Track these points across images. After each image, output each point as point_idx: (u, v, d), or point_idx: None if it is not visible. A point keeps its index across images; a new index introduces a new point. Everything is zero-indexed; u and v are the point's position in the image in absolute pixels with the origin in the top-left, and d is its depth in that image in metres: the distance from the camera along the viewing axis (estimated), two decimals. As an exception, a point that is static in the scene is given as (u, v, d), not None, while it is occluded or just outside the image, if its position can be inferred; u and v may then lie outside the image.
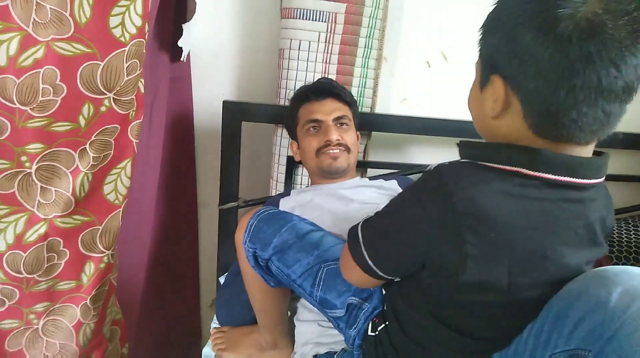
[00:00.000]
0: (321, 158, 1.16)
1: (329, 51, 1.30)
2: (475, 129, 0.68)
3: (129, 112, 0.89)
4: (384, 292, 0.81)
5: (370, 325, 0.79)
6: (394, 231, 0.65)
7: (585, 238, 0.61)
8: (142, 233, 1.24)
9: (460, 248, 0.56)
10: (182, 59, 1.31)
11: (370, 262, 0.67)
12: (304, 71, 1.31)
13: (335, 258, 0.85)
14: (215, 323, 1.20)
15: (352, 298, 0.82)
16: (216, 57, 1.41)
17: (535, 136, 0.57)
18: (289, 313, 1.09)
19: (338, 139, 1.15)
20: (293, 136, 1.25)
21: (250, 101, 1.38)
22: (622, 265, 1.26)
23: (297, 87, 1.30)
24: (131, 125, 0.91)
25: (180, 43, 1.25)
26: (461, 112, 1.44)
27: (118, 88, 0.85)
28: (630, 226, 1.39)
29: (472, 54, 0.67)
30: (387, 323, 0.76)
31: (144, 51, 0.85)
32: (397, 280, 0.74)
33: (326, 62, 1.31)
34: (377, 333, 0.77)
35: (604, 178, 0.61)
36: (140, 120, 0.93)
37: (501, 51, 0.56)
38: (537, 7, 0.52)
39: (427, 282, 0.65)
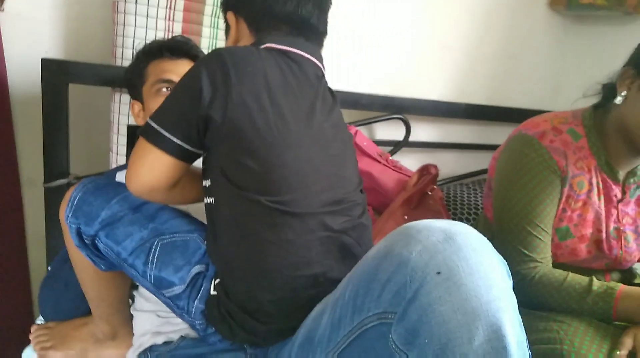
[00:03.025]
0: None
1: (172, 6, 1.16)
2: None
3: None
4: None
5: (212, 285, 0.76)
6: (176, 96, 0.74)
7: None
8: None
9: (228, 87, 0.70)
10: (1, 8, 1.08)
11: (161, 129, 0.71)
12: (143, 27, 1.15)
13: (172, 232, 0.79)
14: (40, 321, 1.04)
15: (198, 266, 0.77)
16: (33, 8, 1.18)
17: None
18: (130, 301, 0.98)
19: None
20: (135, 95, 1.09)
21: (79, 60, 1.18)
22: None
23: (136, 45, 1.14)
24: None
25: None
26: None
27: None
28: (470, 190, 1.51)
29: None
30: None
31: None
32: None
33: (169, 19, 1.17)
34: (216, 290, 0.75)
35: (318, 61, 0.83)
36: None
37: None
38: None
39: (217, 138, 0.72)
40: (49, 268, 1.09)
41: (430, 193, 1.30)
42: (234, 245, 0.73)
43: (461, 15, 1.57)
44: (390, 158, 1.46)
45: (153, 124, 0.72)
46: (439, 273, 0.50)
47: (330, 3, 0.87)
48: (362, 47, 1.50)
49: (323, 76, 0.84)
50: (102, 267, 0.83)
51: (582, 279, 0.90)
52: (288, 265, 0.71)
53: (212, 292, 0.76)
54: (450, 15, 1.55)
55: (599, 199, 0.94)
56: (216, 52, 0.73)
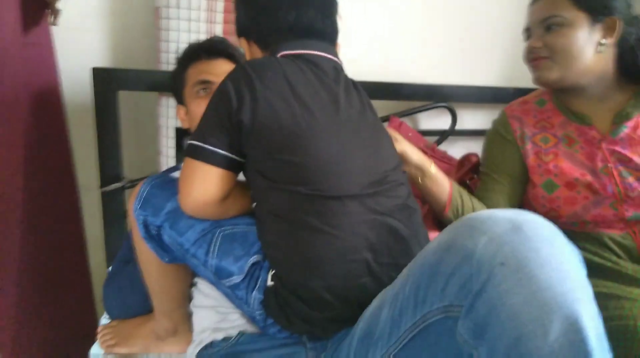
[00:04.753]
0: None
1: (213, 9, 1.18)
2: None
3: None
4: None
5: (268, 277, 0.77)
6: (209, 112, 0.77)
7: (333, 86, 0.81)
8: (6, 226, 1.06)
9: (253, 91, 0.74)
10: (55, 23, 1.12)
11: (204, 145, 0.74)
12: (186, 31, 1.18)
13: (233, 223, 0.82)
14: (105, 320, 1.08)
15: (255, 256, 0.78)
16: (82, 19, 1.22)
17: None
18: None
19: None
20: (180, 99, 1.11)
21: (126, 67, 1.22)
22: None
23: (180, 50, 1.16)
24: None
25: (60, 5, 1.08)
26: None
27: None
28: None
29: None
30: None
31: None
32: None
33: (210, 21, 1.19)
34: (273, 281, 0.76)
35: (334, 56, 0.86)
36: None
37: (242, 21, 0.89)
38: None
39: (250, 141, 0.75)
40: (110, 270, 1.13)
41: (468, 182, 1.25)
42: (282, 238, 0.74)
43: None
44: (437, 148, 1.42)
45: (195, 142, 0.75)
46: (502, 263, 0.48)
47: (336, 6, 0.90)
48: (403, 36, 1.47)
49: (342, 69, 0.86)
50: (166, 259, 0.85)
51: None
52: (336, 251, 0.71)
53: (269, 283, 0.77)
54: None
55: (571, 147, 1.00)
56: (238, 66, 0.79)
